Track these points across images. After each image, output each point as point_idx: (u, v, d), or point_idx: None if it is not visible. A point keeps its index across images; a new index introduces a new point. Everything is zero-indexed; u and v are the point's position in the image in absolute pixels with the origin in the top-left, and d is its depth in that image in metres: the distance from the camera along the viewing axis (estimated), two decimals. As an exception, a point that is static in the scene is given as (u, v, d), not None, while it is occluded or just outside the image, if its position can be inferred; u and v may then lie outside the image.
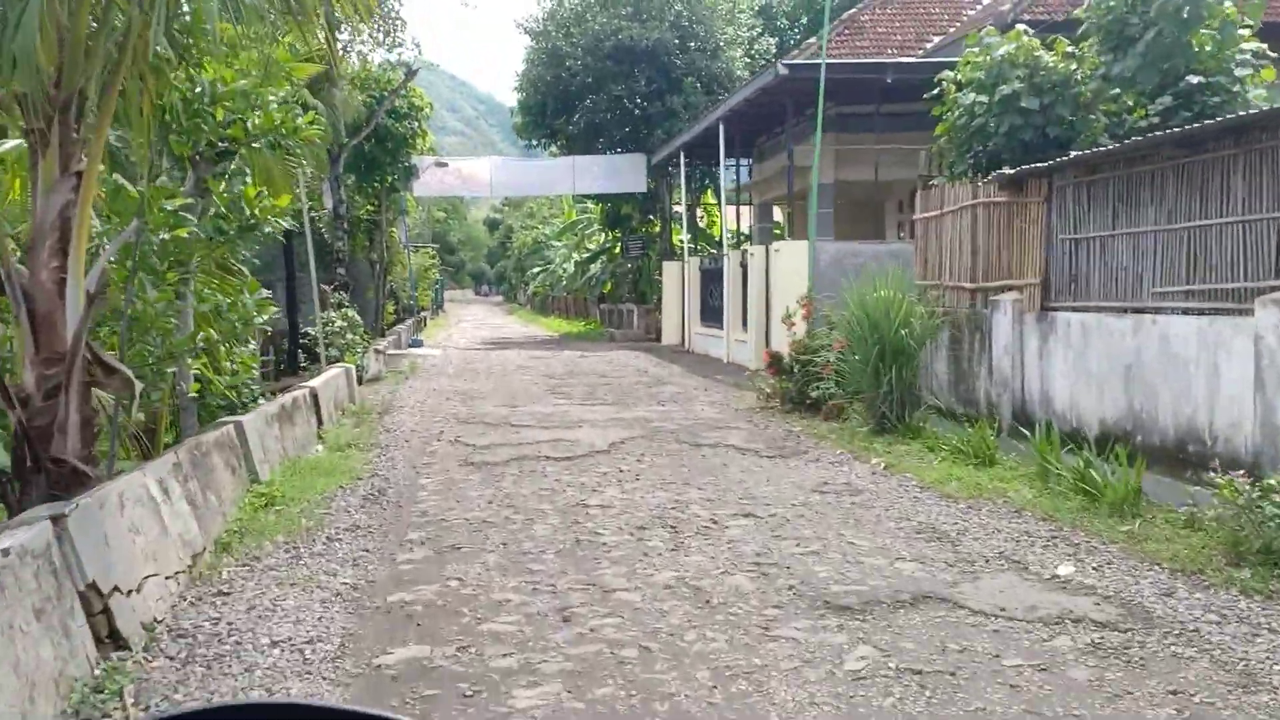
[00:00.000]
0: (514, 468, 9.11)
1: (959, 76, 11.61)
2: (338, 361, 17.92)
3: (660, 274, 32.34)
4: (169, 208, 7.83)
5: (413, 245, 52.11)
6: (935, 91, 12.02)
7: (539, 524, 6.95)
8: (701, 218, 36.20)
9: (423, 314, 45.76)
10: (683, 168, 24.55)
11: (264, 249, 28.81)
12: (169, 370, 8.54)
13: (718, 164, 31.00)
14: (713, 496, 7.79)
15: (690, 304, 24.23)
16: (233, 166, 13.40)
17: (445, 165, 29.07)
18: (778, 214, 27.14)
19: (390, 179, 29.36)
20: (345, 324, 18.30)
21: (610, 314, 38.00)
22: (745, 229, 40.25)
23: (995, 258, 10.47)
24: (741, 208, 31.82)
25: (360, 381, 17.52)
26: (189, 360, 8.81)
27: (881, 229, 23.13)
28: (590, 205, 42.16)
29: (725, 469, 8.97)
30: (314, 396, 10.56)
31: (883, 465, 8.84)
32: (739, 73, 30.13)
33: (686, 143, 23.50)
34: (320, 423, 10.70)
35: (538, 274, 60.44)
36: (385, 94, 27.74)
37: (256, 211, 10.90)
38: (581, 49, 30.47)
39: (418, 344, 28.10)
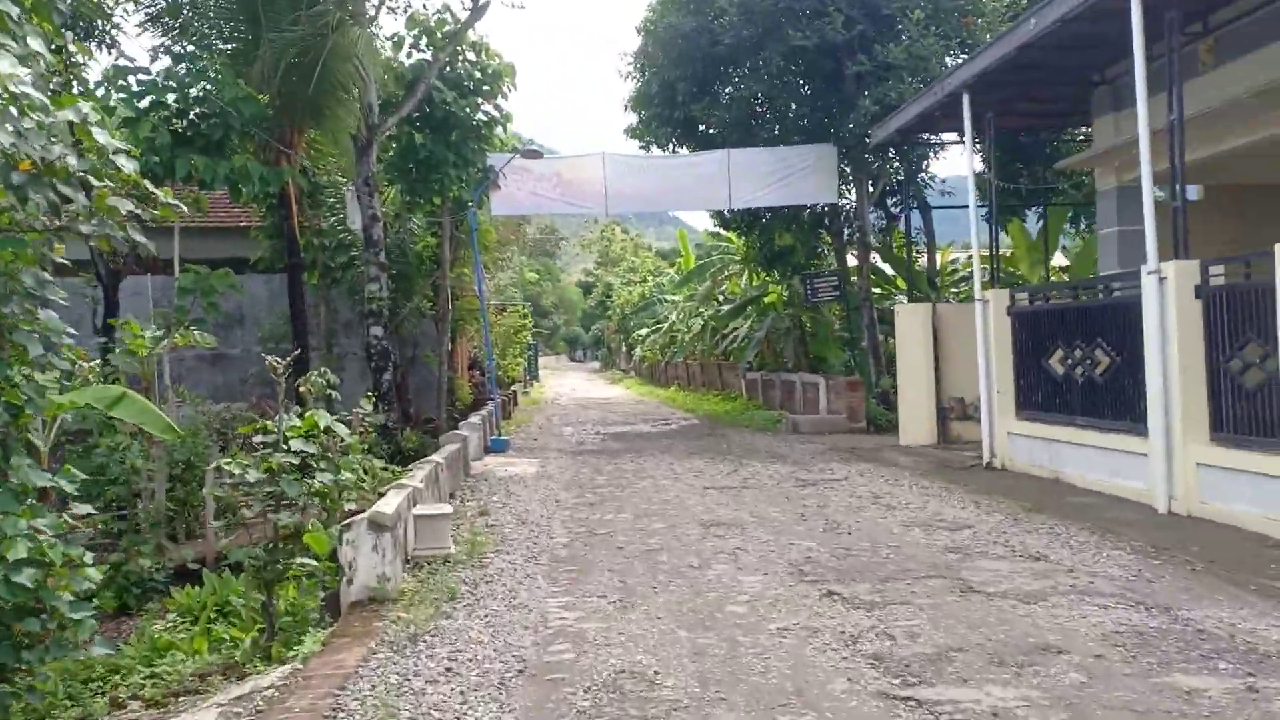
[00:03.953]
0: None
1: None
2: (291, 537, 7.34)
3: (864, 327, 21.23)
4: None
5: (499, 300, 42.06)
6: None
7: None
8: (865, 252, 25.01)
9: (512, 388, 35.42)
10: (967, 118, 13.27)
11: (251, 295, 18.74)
12: None
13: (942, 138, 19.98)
14: None
15: (994, 378, 12.95)
16: None
17: (538, 155, 18.53)
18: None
19: (456, 188, 19.03)
20: (315, 452, 7.60)
21: (767, 387, 26.82)
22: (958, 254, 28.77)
23: None
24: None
25: (336, 611, 6.80)
26: None
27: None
28: (731, 237, 31.37)
29: None
30: None
31: None
32: (989, 2, 19.06)
33: (978, 78, 12.42)
34: None
35: (646, 335, 49.90)
36: (440, 45, 17.50)
37: None
38: (740, -14, 19.85)
39: (500, 447, 17.36)
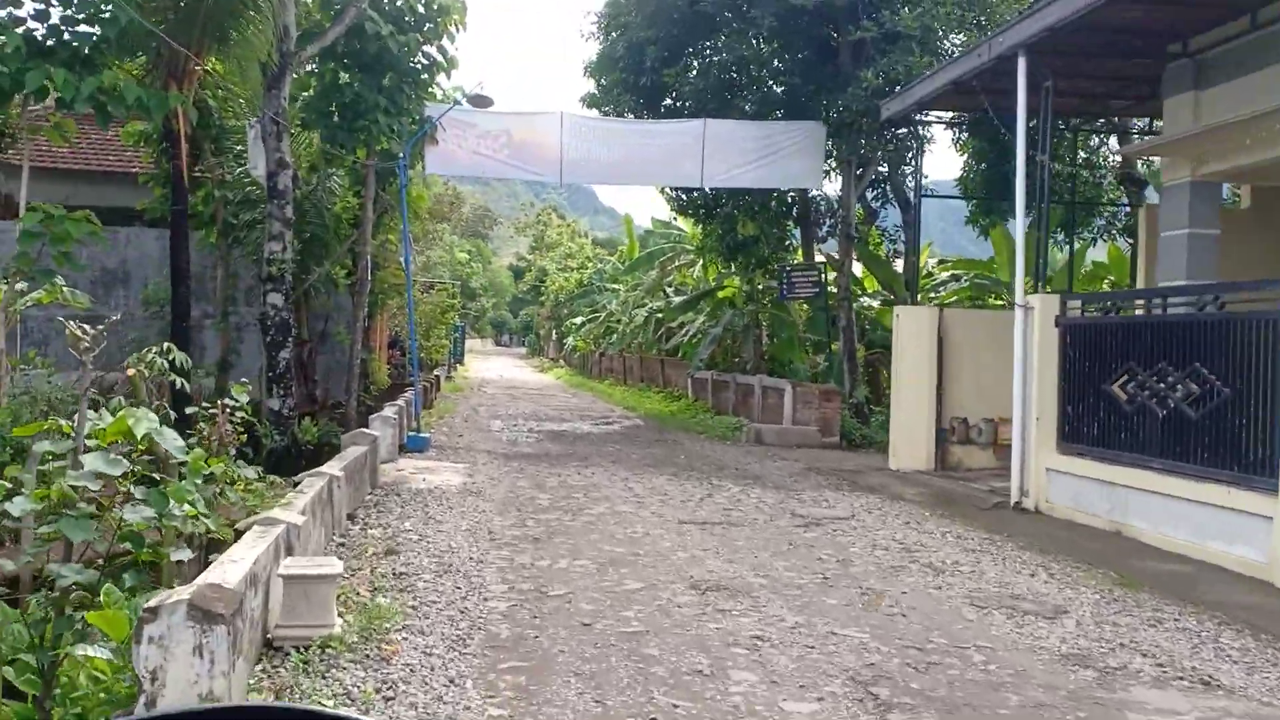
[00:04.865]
0: None
1: None
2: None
3: (842, 330, 18.91)
4: None
5: (426, 277, 38.90)
6: None
7: None
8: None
9: (435, 371, 32.51)
10: (1021, 86, 10.86)
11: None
12: None
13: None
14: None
15: (1032, 401, 10.65)
16: None
17: (488, 102, 15.63)
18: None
19: (385, 140, 16.12)
20: (124, 472, 4.83)
21: (718, 389, 24.37)
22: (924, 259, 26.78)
23: None
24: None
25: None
26: None
27: None
28: (687, 225, 28.87)
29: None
30: None
31: None
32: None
33: (1044, 35, 10.09)
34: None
35: (581, 324, 47.16)
36: (375, -42, 14.62)
37: None
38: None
39: (418, 445, 14.59)
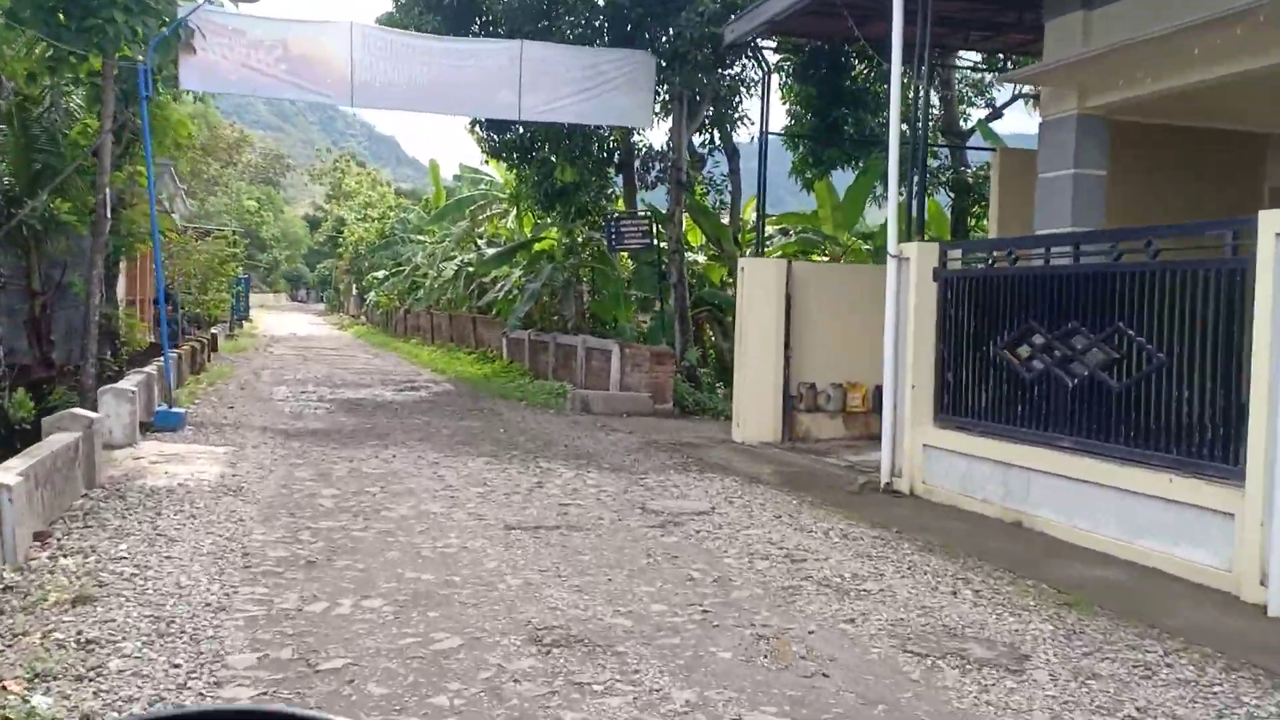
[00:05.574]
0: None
1: None
2: None
3: (673, 286, 17.24)
4: None
5: (204, 224, 34.50)
6: None
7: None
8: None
9: (213, 330, 28.82)
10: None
11: None
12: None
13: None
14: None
15: (907, 367, 9.24)
16: None
17: (252, -3, 12.74)
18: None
19: (125, 44, 12.92)
20: None
21: (536, 350, 22.35)
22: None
23: None
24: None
25: None
26: None
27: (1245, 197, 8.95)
28: (496, 172, 26.41)
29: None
30: None
31: None
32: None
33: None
34: None
35: (384, 279, 43.72)
36: None
37: None
38: None
39: (170, 423, 11.79)
